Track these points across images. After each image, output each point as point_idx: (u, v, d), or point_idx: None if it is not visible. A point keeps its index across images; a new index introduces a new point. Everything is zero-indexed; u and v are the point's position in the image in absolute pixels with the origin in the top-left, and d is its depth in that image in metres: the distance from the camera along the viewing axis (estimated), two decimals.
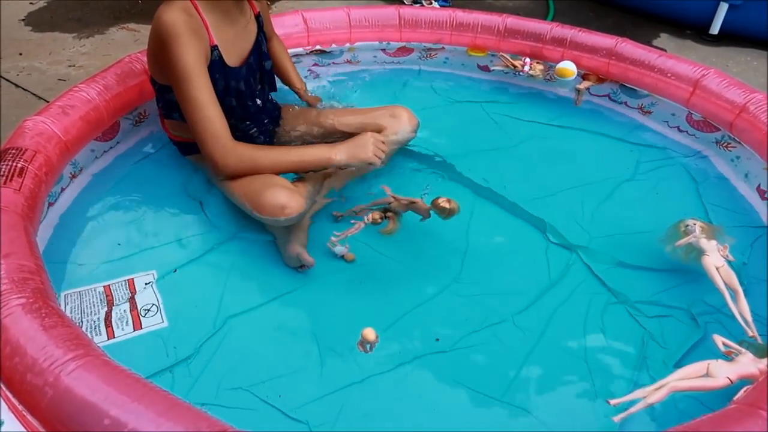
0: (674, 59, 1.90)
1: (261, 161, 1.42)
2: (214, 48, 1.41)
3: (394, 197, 1.44)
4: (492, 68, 2.19)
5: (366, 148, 1.47)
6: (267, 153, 1.45)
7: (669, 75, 1.85)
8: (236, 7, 1.45)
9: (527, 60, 2.09)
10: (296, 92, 1.84)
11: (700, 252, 1.37)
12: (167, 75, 1.39)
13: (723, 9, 2.78)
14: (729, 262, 1.36)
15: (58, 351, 0.89)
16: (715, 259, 1.35)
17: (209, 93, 1.37)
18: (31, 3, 3.04)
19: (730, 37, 2.86)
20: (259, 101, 1.58)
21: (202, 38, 1.37)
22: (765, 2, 2.67)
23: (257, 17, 1.56)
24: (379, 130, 1.64)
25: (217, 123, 1.38)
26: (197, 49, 1.34)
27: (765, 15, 2.72)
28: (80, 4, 3.08)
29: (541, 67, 2.08)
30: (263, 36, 1.58)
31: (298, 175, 1.56)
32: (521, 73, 2.09)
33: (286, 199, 1.35)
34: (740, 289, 1.30)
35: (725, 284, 1.31)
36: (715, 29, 2.85)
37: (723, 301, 1.32)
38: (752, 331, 1.23)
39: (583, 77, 2.05)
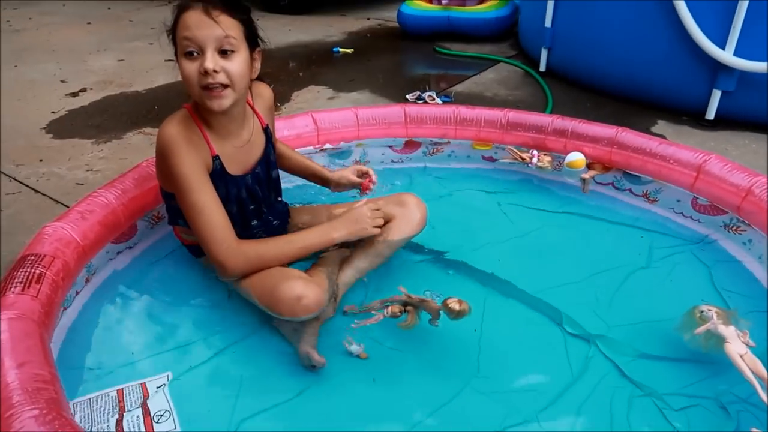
0: (675, 146, 1.95)
1: (267, 255, 1.45)
2: (215, 158, 1.46)
3: (408, 296, 1.45)
4: (501, 161, 2.24)
5: (363, 221, 1.54)
6: (271, 246, 1.47)
7: (671, 161, 1.90)
8: (233, 122, 1.49)
9: (535, 152, 2.14)
10: (321, 175, 1.84)
11: (719, 339, 1.34)
12: (170, 184, 1.44)
13: (716, 95, 2.88)
14: (751, 348, 1.33)
15: None
16: (738, 346, 1.33)
17: (210, 198, 1.41)
18: (53, 112, 3.19)
19: (726, 121, 2.95)
20: (264, 207, 1.62)
21: (201, 149, 1.43)
22: (757, 87, 2.77)
23: (265, 130, 1.61)
24: (387, 220, 1.67)
25: (220, 226, 1.40)
26: (195, 159, 1.40)
27: (757, 100, 2.81)
28: (99, 111, 3.23)
29: (548, 158, 2.12)
30: (272, 147, 1.63)
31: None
32: (530, 165, 2.14)
33: (302, 289, 1.35)
34: None
35: (752, 372, 1.28)
36: (710, 115, 2.94)
37: (751, 390, 1.28)
38: None
39: (589, 166, 2.09)
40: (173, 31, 1.37)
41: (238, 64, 1.36)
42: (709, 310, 1.38)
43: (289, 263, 1.51)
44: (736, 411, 1.28)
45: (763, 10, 2.61)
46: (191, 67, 1.33)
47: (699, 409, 1.30)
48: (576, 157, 2.04)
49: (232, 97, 1.38)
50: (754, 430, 1.13)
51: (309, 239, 1.51)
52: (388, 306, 1.50)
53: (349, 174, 1.80)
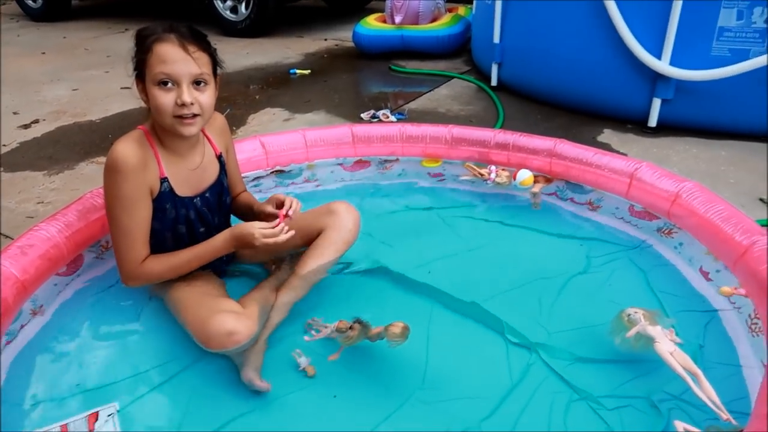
0: (609, 155, 2.03)
1: (165, 275, 1.53)
2: (163, 180, 1.50)
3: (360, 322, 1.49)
4: (460, 177, 2.28)
5: (248, 241, 1.50)
6: (171, 264, 1.52)
7: (606, 170, 1.97)
8: (187, 145, 1.54)
9: (493, 168, 2.17)
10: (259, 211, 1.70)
11: (648, 339, 1.40)
12: (107, 197, 1.46)
13: (657, 103, 2.99)
14: (680, 345, 1.38)
15: None
16: (666, 344, 1.38)
17: (137, 223, 1.46)
18: (3, 145, 3.15)
19: (667, 128, 3.06)
20: (214, 231, 1.63)
21: (149, 170, 1.46)
22: (694, 95, 2.89)
23: (219, 157, 1.64)
24: (320, 230, 1.70)
25: (133, 251, 1.48)
26: (139, 181, 1.43)
27: (695, 107, 2.93)
28: (52, 142, 3.21)
29: (506, 173, 2.16)
30: (224, 175, 1.66)
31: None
32: (488, 182, 2.17)
33: (232, 324, 1.38)
34: (700, 372, 1.31)
35: (684, 368, 1.33)
36: (652, 122, 3.04)
37: (682, 387, 1.34)
38: (725, 414, 1.22)
39: (534, 180, 2.14)
40: (142, 59, 1.39)
41: (209, 96, 1.44)
42: (636, 312, 1.44)
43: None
44: (668, 408, 1.33)
45: (694, 19, 2.73)
46: (166, 98, 1.39)
47: (631, 408, 1.34)
48: (526, 175, 2.10)
49: (200, 124, 1.46)
50: (676, 422, 1.17)
51: (203, 256, 1.54)
52: (336, 322, 1.53)
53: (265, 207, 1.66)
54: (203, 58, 1.41)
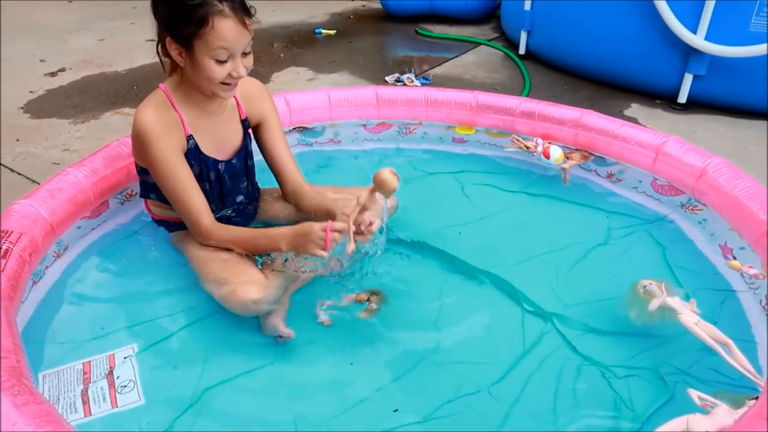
0: (636, 128, 2.00)
1: (231, 244, 1.54)
2: (189, 138, 1.51)
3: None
4: (505, 149, 2.24)
5: (310, 243, 1.39)
6: (237, 238, 1.53)
7: (632, 143, 1.95)
8: (211, 101, 1.54)
9: (539, 141, 2.12)
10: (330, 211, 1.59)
11: (665, 311, 1.39)
12: (146, 165, 1.50)
13: (688, 79, 2.93)
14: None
15: (28, 428, 0.92)
16: (690, 315, 1.38)
17: (185, 181, 1.48)
18: (30, 92, 3.19)
19: (697, 105, 3.00)
20: (241, 196, 1.66)
21: (176, 131, 1.48)
22: (727, 72, 2.82)
23: (243, 122, 1.64)
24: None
25: (195, 210, 1.50)
26: (171, 142, 1.46)
27: (728, 84, 2.86)
28: (78, 91, 3.24)
29: (553, 147, 2.10)
30: (249, 139, 1.67)
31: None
32: (534, 154, 2.12)
33: (257, 294, 1.39)
34: (731, 341, 1.31)
35: (712, 339, 1.32)
36: (682, 98, 2.99)
37: (690, 361, 1.35)
38: (762, 381, 1.22)
39: (567, 156, 2.09)
40: (195, 31, 1.35)
41: (251, 60, 1.46)
42: (651, 283, 1.44)
43: None
44: (674, 381, 1.34)
45: None
46: (221, 71, 1.40)
47: (639, 378, 1.36)
48: (557, 154, 2.06)
49: (237, 86, 1.48)
50: (690, 390, 1.18)
51: (261, 243, 1.52)
52: (356, 292, 1.57)
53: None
54: (250, 27, 1.40)
